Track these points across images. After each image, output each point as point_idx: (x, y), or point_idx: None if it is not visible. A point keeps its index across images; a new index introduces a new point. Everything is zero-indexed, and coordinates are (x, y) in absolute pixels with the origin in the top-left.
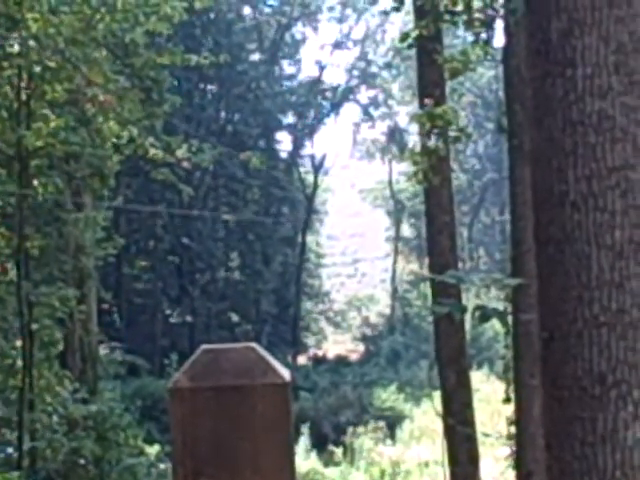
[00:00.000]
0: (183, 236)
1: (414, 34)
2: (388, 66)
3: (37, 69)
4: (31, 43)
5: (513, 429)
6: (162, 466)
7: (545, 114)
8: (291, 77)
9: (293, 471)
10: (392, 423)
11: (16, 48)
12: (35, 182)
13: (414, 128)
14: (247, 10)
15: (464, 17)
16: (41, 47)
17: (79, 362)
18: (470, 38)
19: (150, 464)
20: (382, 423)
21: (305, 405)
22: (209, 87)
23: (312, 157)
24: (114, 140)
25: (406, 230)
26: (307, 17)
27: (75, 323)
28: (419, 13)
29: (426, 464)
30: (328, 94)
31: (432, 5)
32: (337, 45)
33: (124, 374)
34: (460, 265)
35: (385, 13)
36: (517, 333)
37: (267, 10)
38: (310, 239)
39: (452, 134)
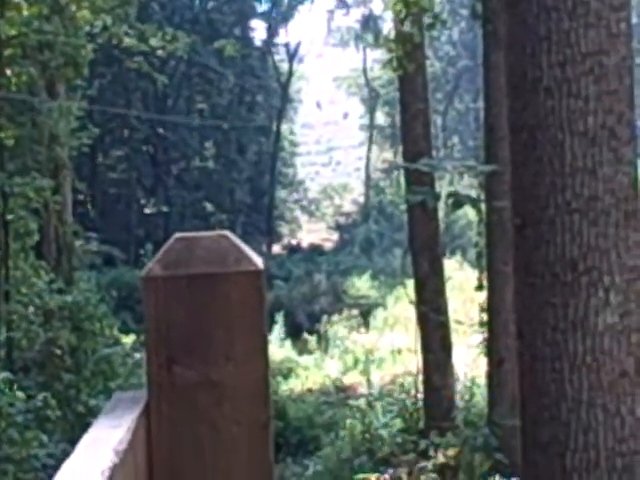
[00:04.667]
0: (158, 126)
1: None
2: None
3: None
4: None
5: (485, 316)
6: (137, 355)
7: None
8: None
9: (267, 359)
10: (366, 311)
11: None
12: (8, 72)
13: (389, 15)
14: None
15: None
16: None
17: (54, 253)
18: None
19: (125, 354)
20: (356, 311)
21: (279, 294)
22: None
23: (287, 45)
24: (88, 29)
25: (380, 118)
26: None
27: (50, 214)
28: None
29: (399, 351)
30: None
31: None
32: None
33: (100, 264)
34: (434, 153)
35: None
36: (490, 221)
37: None
38: (285, 128)
39: (427, 21)
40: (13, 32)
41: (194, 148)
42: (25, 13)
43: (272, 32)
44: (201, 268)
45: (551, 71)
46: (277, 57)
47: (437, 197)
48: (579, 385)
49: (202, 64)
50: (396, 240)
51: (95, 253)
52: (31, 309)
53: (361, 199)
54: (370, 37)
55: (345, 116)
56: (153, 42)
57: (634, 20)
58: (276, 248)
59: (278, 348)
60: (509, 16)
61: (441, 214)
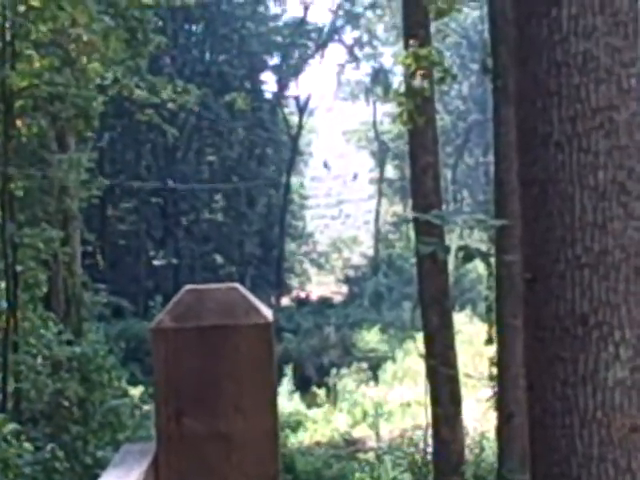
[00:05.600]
0: (168, 177)
1: None
2: (373, 6)
3: (21, 8)
4: None
5: (495, 370)
6: (146, 407)
7: (529, 54)
8: (276, 17)
9: (276, 412)
10: (375, 364)
11: None
12: (19, 123)
13: (399, 69)
14: None
15: None
16: None
17: (63, 304)
18: None
19: (134, 405)
20: (365, 364)
21: (288, 346)
22: (194, 27)
23: (297, 98)
24: (98, 81)
25: (390, 171)
26: None
27: (59, 265)
28: None
29: (408, 405)
30: (313, 35)
31: None
32: None
33: (108, 316)
34: (444, 207)
35: None
36: (500, 274)
37: None
38: (294, 181)
39: (437, 75)
40: (24, 84)
41: (203, 200)
42: (36, 65)
43: (282, 85)
44: (211, 320)
45: (561, 126)
46: (287, 110)
47: (447, 249)
48: (590, 440)
49: (212, 117)
50: (405, 293)
51: (104, 304)
52: (39, 360)
53: (370, 252)
54: (380, 91)
55: (355, 177)
56: (164, 95)
57: None
58: (285, 300)
59: (287, 401)
60: (519, 71)
61: (451, 267)
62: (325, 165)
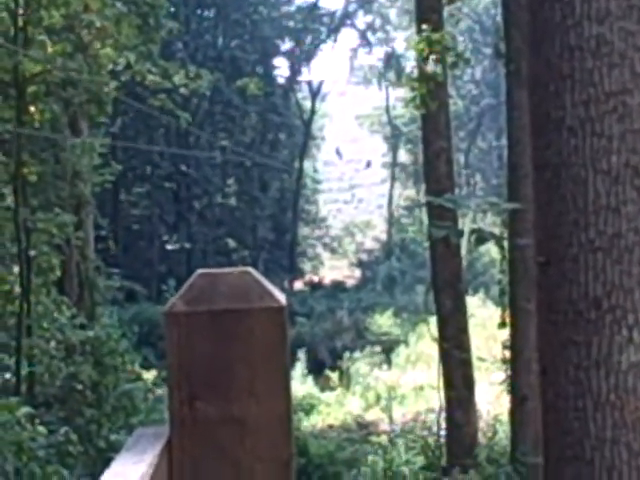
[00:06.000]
0: (180, 162)
1: None
2: None
3: None
4: None
5: (508, 354)
6: (159, 391)
7: (543, 39)
8: (288, 2)
9: (289, 395)
10: (388, 348)
11: None
12: (32, 108)
13: (411, 54)
14: None
15: None
16: None
17: (76, 288)
18: None
19: (147, 389)
20: (378, 348)
21: (302, 330)
22: (206, 13)
23: (309, 83)
24: (111, 66)
25: (403, 156)
26: None
27: (72, 249)
28: None
29: (421, 388)
30: (325, 19)
31: None
32: None
33: (121, 300)
34: (457, 191)
35: None
36: (513, 258)
37: None
38: (307, 165)
39: (450, 59)
40: (37, 69)
41: (216, 185)
42: (49, 50)
43: (295, 70)
44: (224, 304)
45: (574, 110)
46: (300, 95)
47: (460, 233)
48: (603, 423)
49: (225, 101)
50: (418, 277)
51: (117, 288)
52: (53, 344)
53: (383, 236)
54: (393, 75)
55: (368, 164)
56: (176, 80)
57: None
58: (298, 285)
59: (300, 384)
60: (532, 55)
61: (463, 251)
62: (337, 152)
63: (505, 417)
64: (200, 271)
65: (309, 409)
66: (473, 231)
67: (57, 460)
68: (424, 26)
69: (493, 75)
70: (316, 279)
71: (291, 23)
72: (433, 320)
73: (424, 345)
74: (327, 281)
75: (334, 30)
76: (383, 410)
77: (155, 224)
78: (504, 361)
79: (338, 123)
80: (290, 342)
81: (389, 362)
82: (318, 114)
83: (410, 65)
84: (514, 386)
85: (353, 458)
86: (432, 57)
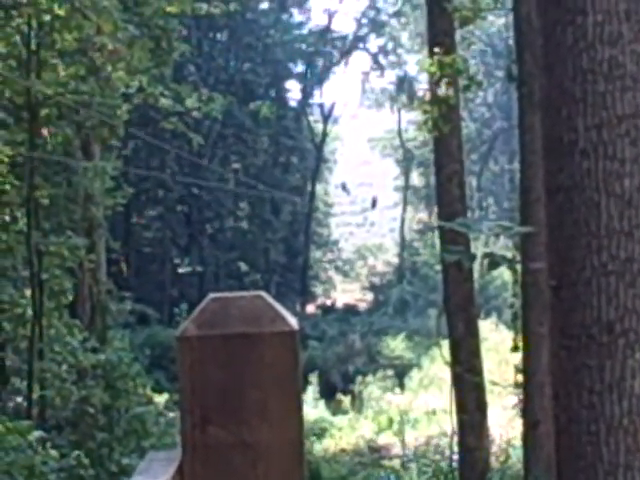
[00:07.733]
0: (192, 185)
1: None
2: (398, 14)
3: (47, 18)
4: None
5: (521, 378)
6: (170, 414)
7: (555, 62)
8: (300, 25)
9: (301, 420)
10: (400, 372)
11: None
12: (45, 132)
13: (424, 77)
14: None
15: None
16: None
17: (88, 311)
18: None
19: (158, 413)
20: (390, 372)
21: (314, 354)
22: (219, 36)
23: (321, 106)
24: (123, 89)
25: (415, 179)
26: None
27: (84, 272)
28: None
29: (434, 412)
30: (337, 42)
31: None
32: None
33: (133, 323)
34: (469, 214)
35: None
36: (526, 282)
37: None
38: (319, 188)
39: (462, 82)
40: (49, 92)
41: (228, 208)
42: (62, 74)
43: (307, 93)
44: (236, 328)
45: (587, 134)
46: (312, 118)
47: (473, 257)
48: (616, 448)
49: (237, 124)
50: (430, 301)
51: (129, 312)
52: (64, 367)
53: (395, 260)
54: (405, 98)
55: (374, 204)
56: (189, 103)
57: None
58: (310, 308)
59: (312, 408)
60: (545, 79)
61: (476, 275)
62: (344, 188)
63: (518, 441)
64: (212, 295)
65: (321, 433)
66: (486, 255)
67: None
68: (436, 49)
69: (505, 98)
70: (328, 302)
71: (303, 46)
72: (445, 344)
73: (436, 369)
74: (339, 304)
75: (346, 53)
76: (395, 434)
77: (167, 247)
78: (517, 385)
79: (350, 146)
80: (302, 366)
81: (401, 386)
82: (330, 137)
83: (422, 88)
84: (527, 410)
85: None
86: (444, 80)
